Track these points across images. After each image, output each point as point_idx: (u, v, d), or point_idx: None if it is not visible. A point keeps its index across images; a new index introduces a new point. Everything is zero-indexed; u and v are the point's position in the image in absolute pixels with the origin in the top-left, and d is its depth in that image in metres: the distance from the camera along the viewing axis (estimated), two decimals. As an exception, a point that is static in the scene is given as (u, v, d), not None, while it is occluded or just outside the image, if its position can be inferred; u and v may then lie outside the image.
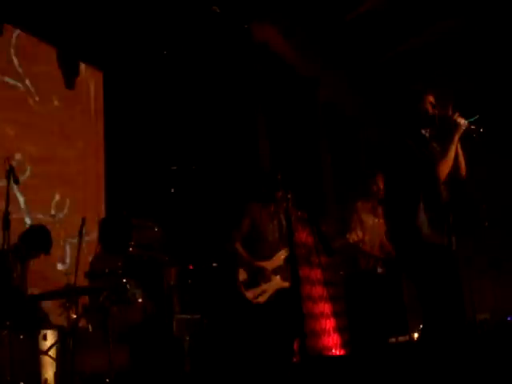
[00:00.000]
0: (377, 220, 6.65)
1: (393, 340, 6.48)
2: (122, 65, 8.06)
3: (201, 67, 7.74)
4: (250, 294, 5.55)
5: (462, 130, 4.25)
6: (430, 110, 4.38)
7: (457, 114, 4.27)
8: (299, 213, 5.54)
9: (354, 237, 6.00)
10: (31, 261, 6.13)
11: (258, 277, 5.57)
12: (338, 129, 9.95)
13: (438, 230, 4.26)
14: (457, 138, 4.27)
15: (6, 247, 4.70)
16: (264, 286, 5.57)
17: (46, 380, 5.16)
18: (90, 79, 8.32)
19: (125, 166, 8.02)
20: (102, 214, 7.94)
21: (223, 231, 5.89)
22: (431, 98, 4.42)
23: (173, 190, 7.49)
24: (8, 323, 4.97)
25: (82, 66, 8.11)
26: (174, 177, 7.67)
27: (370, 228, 6.57)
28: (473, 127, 4.28)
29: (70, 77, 7.86)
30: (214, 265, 6.89)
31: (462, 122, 4.26)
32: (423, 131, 4.40)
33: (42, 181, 7.38)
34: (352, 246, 6.16)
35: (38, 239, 6.04)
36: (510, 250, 6.80)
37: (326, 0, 7.91)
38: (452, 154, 4.26)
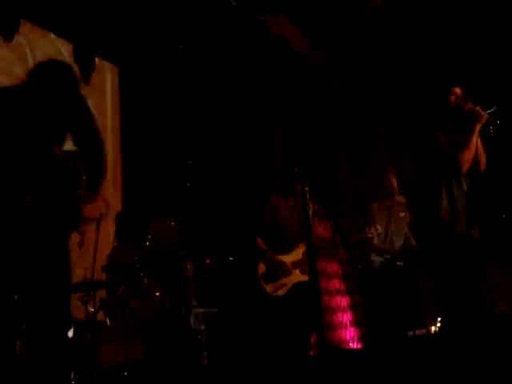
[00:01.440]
0: (393, 218, 6.67)
1: (410, 333, 6.47)
2: (137, 59, 8.07)
3: (216, 60, 7.74)
4: (269, 288, 5.59)
5: (482, 122, 4.30)
6: (457, 102, 4.43)
7: (478, 107, 4.32)
8: (316, 206, 5.56)
9: (373, 231, 6.01)
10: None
11: (278, 270, 5.60)
12: (354, 122, 9.92)
13: (461, 219, 4.29)
14: (478, 129, 4.32)
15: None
16: (283, 280, 5.60)
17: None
18: (106, 74, 8.35)
19: (141, 160, 8.05)
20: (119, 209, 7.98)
21: (239, 225, 5.90)
22: (458, 91, 4.46)
23: (189, 184, 7.50)
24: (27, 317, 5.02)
25: (98, 61, 8.15)
26: (190, 171, 7.68)
27: (385, 226, 6.59)
28: (491, 119, 4.33)
29: (86, 72, 7.89)
30: (231, 258, 6.90)
31: (483, 113, 4.30)
32: (448, 122, 4.44)
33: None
34: (367, 242, 6.18)
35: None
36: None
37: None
38: (474, 144, 4.33)
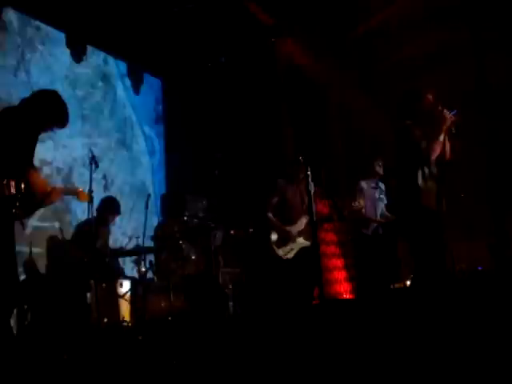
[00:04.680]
0: (378, 193, 6.64)
1: (391, 286, 6.48)
2: (177, 73, 8.11)
3: (237, 75, 7.74)
4: (280, 252, 5.57)
5: (448, 122, 4.34)
6: (429, 105, 4.44)
7: (445, 110, 4.35)
8: (317, 188, 5.56)
9: (357, 204, 5.98)
10: (111, 226, 6.24)
11: (286, 238, 5.60)
12: (348, 122, 9.88)
13: (431, 198, 4.32)
14: (444, 127, 4.34)
15: (90, 217, 4.77)
16: (291, 245, 5.58)
17: (123, 317, 5.30)
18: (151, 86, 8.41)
19: (180, 154, 8.11)
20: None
21: (257, 204, 5.91)
22: (430, 96, 4.47)
23: (217, 172, 7.53)
24: (94, 275, 5.11)
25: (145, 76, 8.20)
26: (218, 162, 7.71)
27: (372, 199, 6.57)
28: (455, 120, 4.36)
29: (136, 84, 7.96)
30: (251, 230, 6.92)
31: (449, 115, 4.34)
32: (422, 121, 4.46)
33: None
34: (356, 213, 6.15)
35: (111, 205, 6.14)
36: (479, 215, 6.83)
37: (337, 18, 7.84)
38: (441, 139, 4.34)
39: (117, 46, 7.41)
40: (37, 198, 3.64)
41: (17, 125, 3.51)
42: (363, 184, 6.60)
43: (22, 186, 3.48)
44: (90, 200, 4.60)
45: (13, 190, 3.39)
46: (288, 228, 5.62)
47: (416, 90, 4.56)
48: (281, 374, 3.26)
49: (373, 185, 6.64)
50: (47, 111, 3.76)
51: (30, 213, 3.68)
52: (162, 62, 7.97)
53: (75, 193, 4.37)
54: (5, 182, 3.36)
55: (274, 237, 5.61)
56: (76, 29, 6.73)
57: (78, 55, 6.85)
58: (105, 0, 6.45)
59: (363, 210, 6.25)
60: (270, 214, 5.66)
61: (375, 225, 6.51)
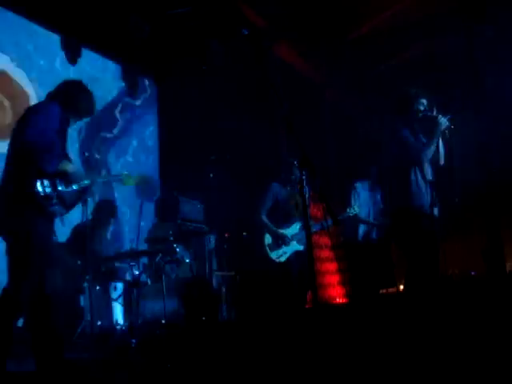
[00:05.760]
0: (373, 196, 6.65)
1: (384, 291, 6.50)
2: (172, 77, 8.11)
3: (233, 79, 7.75)
4: (273, 255, 5.58)
5: (442, 127, 4.35)
6: (422, 109, 4.45)
7: (440, 115, 4.36)
8: (311, 192, 5.57)
9: (352, 211, 6.01)
10: (107, 229, 6.22)
11: (280, 241, 5.61)
12: (341, 126, 9.91)
13: (424, 201, 4.33)
14: (438, 132, 4.35)
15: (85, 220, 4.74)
16: (284, 249, 5.59)
17: (116, 320, 5.30)
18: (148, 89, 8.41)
19: (175, 156, 8.11)
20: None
21: (251, 207, 5.92)
22: (424, 100, 4.48)
23: (212, 175, 7.54)
24: (88, 277, 5.10)
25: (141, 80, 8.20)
26: (213, 164, 7.71)
27: (366, 202, 6.59)
28: (448, 124, 4.37)
29: (132, 88, 7.97)
30: (244, 233, 6.92)
31: (443, 120, 4.35)
32: (415, 125, 4.47)
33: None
34: (352, 218, 6.17)
35: (107, 209, 6.12)
36: (472, 219, 6.86)
37: (331, 24, 7.87)
38: (435, 143, 4.35)
39: (112, 49, 7.40)
40: (76, 191, 3.61)
41: (49, 118, 3.45)
42: (358, 185, 6.62)
43: (58, 182, 3.45)
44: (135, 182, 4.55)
45: (48, 190, 3.36)
46: (281, 231, 5.64)
47: (410, 93, 4.55)
48: (274, 378, 3.27)
49: (367, 187, 6.67)
50: (76, 101, 3.72)
51: (69, 208, 3.60)
52: (156, 64, 7.97)
53: (119, 179, 4.31)
54: (39, 181, 3.32)
55: (267, 240, 5.62)
56: (71, 31, 6.73)
57: (72, 57, 6.83)
58: (99, 2, 6.45)
59: (357, 215, 6.28)
60: (264, 217, 5.68)
61: (368, 228, 6.52)
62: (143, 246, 6.02)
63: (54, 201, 3.38)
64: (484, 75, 7.70)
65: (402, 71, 8.27)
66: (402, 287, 6.61)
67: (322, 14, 7.56)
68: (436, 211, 4.34)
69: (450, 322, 3.83)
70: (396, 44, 8.23)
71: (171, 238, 5.79)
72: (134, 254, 5.62)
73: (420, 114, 4.44)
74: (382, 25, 8.01)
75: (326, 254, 8.30)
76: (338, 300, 8.16)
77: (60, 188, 3.46)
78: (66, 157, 3.60)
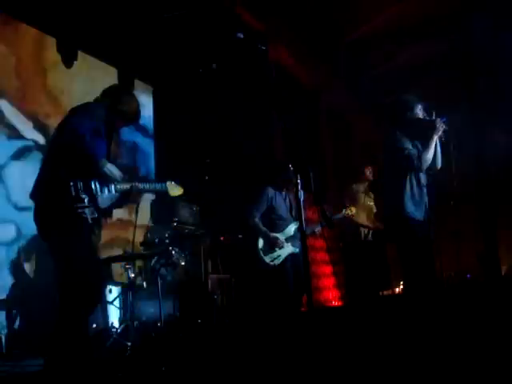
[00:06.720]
0: (368, 199, 6.68)
1: (379, 293, 6.51)
2: (167, 80, 8.10)
3: (227, 82, 7.75)
4: (267, 258, 5.59)
5: (440, 132, 4.33)
6: (420, 115, 4.44)
7: (437, 120, 4.34)
8: (306, 195, 5.57)
9: (349, 212, 6.01)
10: (102, 231, 6.18)
11: (274, 245, 5.59)
12: (338, 129, 9.94)
13: (419, 207, 4.33)
14: (436, 137, 4.33)
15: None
16: (278, 252, 5.59)
17: (112, 323, 5.29)
18: (142, 92, 8.38)
19: (170, 159, 8.09)
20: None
21: (246, 210, 5.92)
22: (421, 106, 4.47)
23: (207, 178, 7.54)
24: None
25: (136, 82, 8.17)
26: (208, 168, 7.71)
27: (362, 205, 6.60)
28: (446, 129, 4.35)
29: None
30: (240, 236, 6.92)
31: (441, 125, 4.33)
32: (412, 131, 4.46)
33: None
34: (348, 220, 6.18)
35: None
36: (467, 223, 6.87)
37: (326, 27, 7.90)
38: (432, 149, 4.32)
39: (107, 52, 7.39)
40: (114, 195, 3.51)
41: (93, 122, 3.39)
42: (355, 188, 6.64)
43: (93, 183, 3.37)
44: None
45: (80, 192, 3.28)
46: (275, 235, 5.64)
47: (406, 98, 4.54)
48: (269, 381, 3.27)
49: (363, 190, 6.69)
50: (121, 104, 3.69)
51: (105, 211, 3.50)
52: (152, 68, 7.96)
53: (163, 187, 4.08)
54: (72, 184, 3.27)
55: (260, 243, 5.62)
56: (67, 34, 6.72)
57: (68, 60, 6.83)
58: (95, 5, 6.45)
59: (354, 218, 6.29)
60: (257, 221, 5.68)
61: (365, 231, 6.54)
62: (139, 249, 6.00)
63: (85, 203, 3.31)
64: (480, 75, 7.74)
65: (399, 74, 8.31)
66: (397, 290, 6.65)
67: (318, 17, 7.59)
68: (431, 215, 4.34)
69: (445, 325, 3.84)
70: (393, 47, 8.27)
71: (167, 241, 5.78)
72: (130, 257, 5.61)
73: (416, 120, 4.42)
74: (378, 28, 8.05)
75: (321, 256, 8.31)
76: (333, 303, 8.16)
77: (94, 190, 3.38)
78: (108, 158, 3.51)
